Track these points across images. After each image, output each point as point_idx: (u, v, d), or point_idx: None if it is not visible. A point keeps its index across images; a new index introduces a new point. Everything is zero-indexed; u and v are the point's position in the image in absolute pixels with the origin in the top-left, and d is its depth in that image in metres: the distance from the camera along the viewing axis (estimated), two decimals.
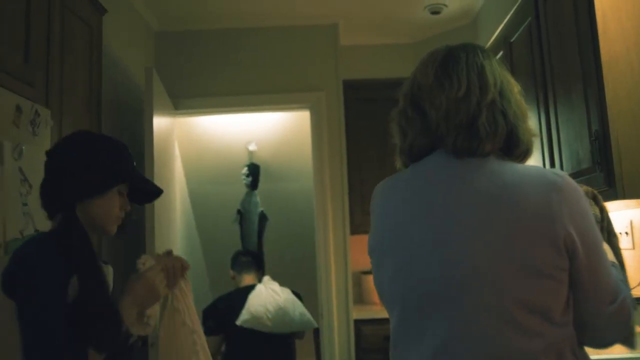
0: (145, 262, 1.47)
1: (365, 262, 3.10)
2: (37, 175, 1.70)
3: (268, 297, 2.96)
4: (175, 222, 3.37)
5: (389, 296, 1.19)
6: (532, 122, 2.10)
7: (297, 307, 3.00)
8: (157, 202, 2.78)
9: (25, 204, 1.65)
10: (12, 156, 1.60)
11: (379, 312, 3.25)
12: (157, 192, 1.55)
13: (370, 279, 3.54)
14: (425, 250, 1.11)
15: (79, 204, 1.38)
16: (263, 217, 4.23)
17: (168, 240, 3.07)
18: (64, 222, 1.37)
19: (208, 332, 2.78)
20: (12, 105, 1.63)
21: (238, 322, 2.88)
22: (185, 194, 4.26)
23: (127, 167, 1.46)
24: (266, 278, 3.13)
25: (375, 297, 3.52)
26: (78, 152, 1.40)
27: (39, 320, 1.23)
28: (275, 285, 3.07)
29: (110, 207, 1.42)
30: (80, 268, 1.31)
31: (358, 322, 3.23)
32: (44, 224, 1.73)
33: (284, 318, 2.94)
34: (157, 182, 2.79)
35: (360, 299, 3.64)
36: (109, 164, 1.42)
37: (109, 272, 1.55)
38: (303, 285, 3.98)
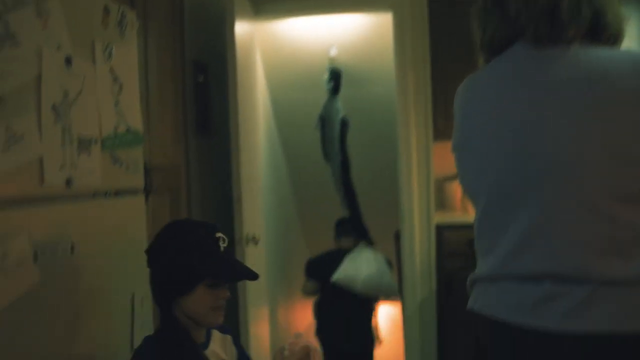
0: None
1: (449, 168, 3.10)
2: (126, 75, 1.75)
3: (362, 262, 3.48)
4: (258, 128, 3.43)
5: (474, 189, 1.19)
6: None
7: (385, 276, 3.53)
8: (241, 108, 2.82)
9: (116, 103, 1.71)
10: (103, 56, 1.65)
11: (461, 217, 3.23)
12: (249, 275, 1.47)
13: (452, 185, 3.51)
14: (509, 141, 1.09)
15: (175, 303, 1.41)
16: (344, 123, 4.22)
17: (252, 144, 3.14)
18: (162, 323, 1.45)
19: (308, 275, 3.65)
20: (100, 7, 1.66)
21: (332, 279, 3.45)
22: (267, 102, 4.30)
23: (208, 261, 1.40)
24: (362, 244, 3.69)
25: (457, 203, 3.50)
26: (161, 254, 1.42)
27: None
28: (370, 253, 3.60)
29: (200, 303, 1.40)
30: None
31: (440, 228, 3.23)
32: (135, 121, 1.80)
33: (372, 284, 3.47)
34: (240, 91, 2.82)
35: (443, 205, 3.62)
36: (187, 264, 1.39)
37: (227, 341, 1.59)
38: (384, 190, 4.01)
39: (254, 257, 2.88)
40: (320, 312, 3.66)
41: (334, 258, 3.60)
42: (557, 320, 1.02)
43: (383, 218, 3.98)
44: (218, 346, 1.56)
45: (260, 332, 3.06)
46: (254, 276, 1.45)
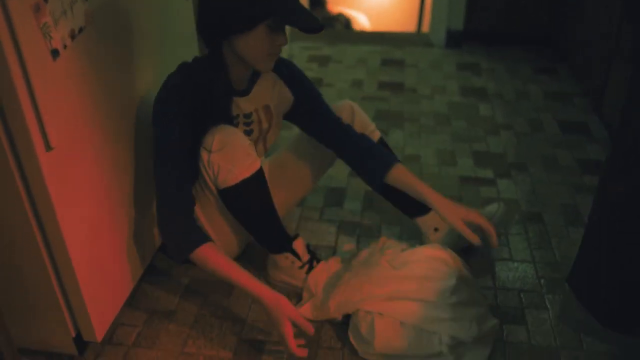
0: None
1: None
2: None
3: None
4: None
5: None
6: None
7: None
8: None
9: None
10: None
11: None
12: (315, 27, 1.34)
13: None
14: None
15: (228, 41, 1.38)
16: None
17: None
18: (208, 58, 1.43)
19: None
20: None
21: None
22: None
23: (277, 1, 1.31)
24: None
25: None
26: None
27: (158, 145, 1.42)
28: None
29: (257, 45, 1.35)
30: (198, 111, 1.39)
31: None
32: None
33: None
34: None
35: None
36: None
37: (277, 86, 1.57)
38: None
39: None
40: None
41: None
42: None
43: None
44: (264, 93, 1.56)
45: None
46: (320, 28, 1.34)
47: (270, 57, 1.40)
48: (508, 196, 2.08)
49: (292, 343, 1.35)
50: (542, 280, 1.72)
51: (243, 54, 1.39)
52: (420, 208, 1.73)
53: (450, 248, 1.60)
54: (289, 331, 1.35)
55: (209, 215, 1.59)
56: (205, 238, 1.40)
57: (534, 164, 2.27)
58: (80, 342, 1.45)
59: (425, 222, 1.75)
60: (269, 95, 1.59)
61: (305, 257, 1.64)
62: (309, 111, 1.66)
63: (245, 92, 1.53)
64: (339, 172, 2.14)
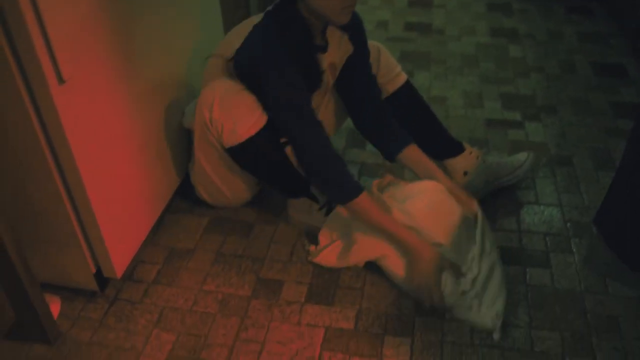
0: None
1: None
2: None
3: None
4: None
5: None
6: None
7: None
8: None
9: None
10: None
11: None
12: None
13: None
14: None
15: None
16: None
17: None
18: (287, 13, 1.38)
19: None
20: None
21: None
22: None
23: None
24: None
25: None
26: None
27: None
28: None
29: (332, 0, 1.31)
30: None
31: None
32: None
33: None
34: None
35: None
36: None
37: (343, 40, 1.52)
38: None
39: None
40: None
41: None
42: None
43: None
44: (334, 49, 1.52)
45: None
46: None
47: (346, 10, 1.34)
48: (536, 139, 2.01)
49: (436, 290, 1.36)
50: (569, 224, 1.67)
51: (318, 9, 1.33)
52: (450, 149, 1.69)
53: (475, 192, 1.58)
54: (431, 279, 1.36)
55: (215, 167, 1.57)
56: (362, 187, 1.43)
57: (564, 107, 2.19)
58: (101, 279, 1.46)
59: (454, 164, 1.71)
60: (336, 51, 1.53)
61: (324, 198, 1.61)
62: (352, 70, 1.60)
63: (324, 49, 1.48)
64: None
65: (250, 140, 1.43)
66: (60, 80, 1.13)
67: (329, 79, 1.57)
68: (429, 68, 2.46)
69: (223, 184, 1.60)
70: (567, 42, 2.65)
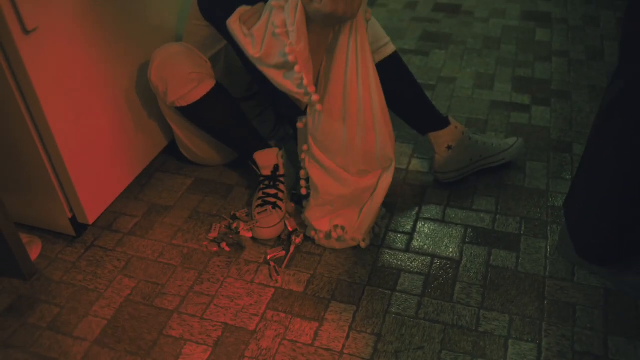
0: None
1: None
2: None
3: None
4: None
5: None
6: None
7: None
8: None
9: None
10: None
11: None
12: None
13: None
14: None
15: None
16: None
17: None
18: None
19: None
20: None
21: None
22: None
23: None
24: None
25: None
26: None
27: None
28: None
29: None
30: None
31: None
32: None
33: None
34: None
35: None
36: None
37: None
38: None
39: None
40: None
41: None
42: None
43: None
44: None
45: None
46: None
47: None
48: (539, 124, 1.94)
49: None
50: (550, 210, 1.61)
51: None
52: (434, 123, 1.67)
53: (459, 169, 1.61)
54: None
55: (174, 122, 1.65)
56: None
57: (579, 93, 2.09)
58: (78, 225, 1.56)
59: (437, 138, 1.69)
60: None
61: (266, 172, 1.61)
62: None
63: None
64: None
65: (194, 105, 1.51)
66: (25, 31, 1.22)
67: None
68: (446, 48, 2.41)
69: (187, 140, 1.68)
70: (603, 28, 2.51)
